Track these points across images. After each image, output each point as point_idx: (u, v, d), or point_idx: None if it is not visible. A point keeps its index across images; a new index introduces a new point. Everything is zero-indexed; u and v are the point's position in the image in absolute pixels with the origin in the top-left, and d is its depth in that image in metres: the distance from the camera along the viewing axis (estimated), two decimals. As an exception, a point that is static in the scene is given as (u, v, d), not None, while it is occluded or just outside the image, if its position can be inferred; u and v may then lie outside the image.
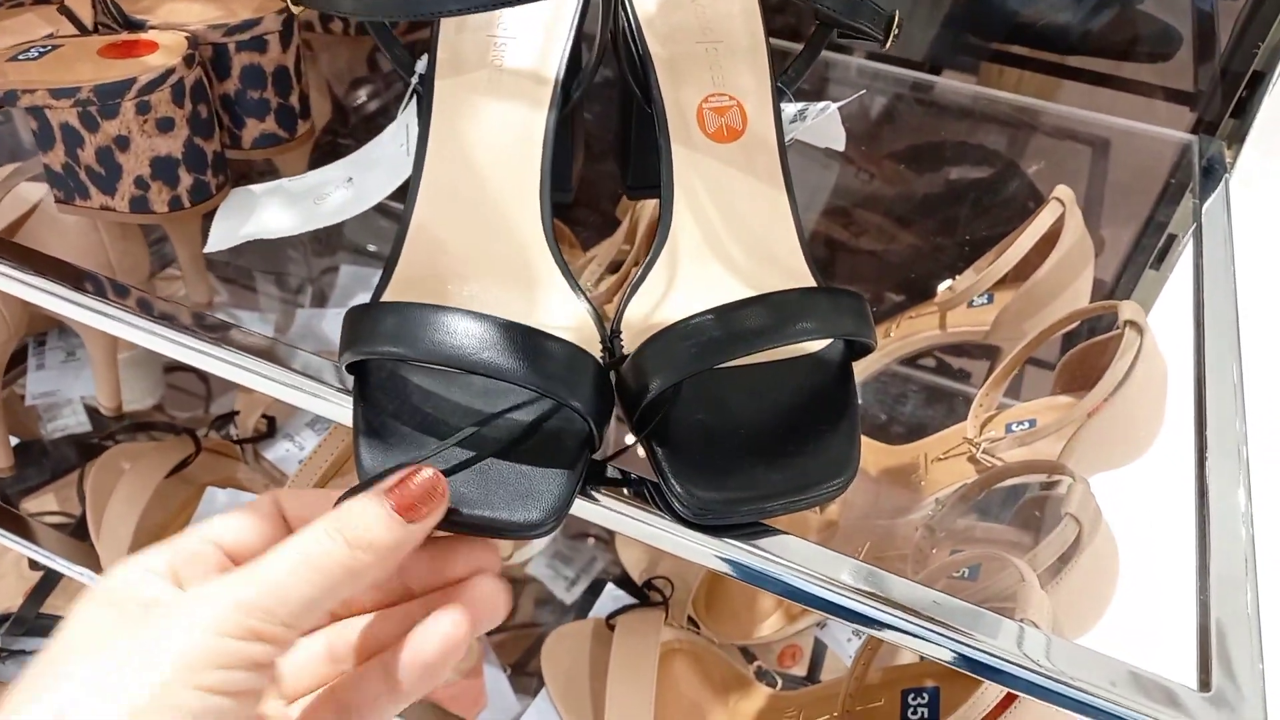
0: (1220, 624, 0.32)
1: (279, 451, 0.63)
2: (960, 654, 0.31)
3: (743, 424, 0.35)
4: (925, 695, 0.43)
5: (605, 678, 0.49)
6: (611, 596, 0.59)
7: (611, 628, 0.52)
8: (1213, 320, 0.47)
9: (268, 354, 0.40)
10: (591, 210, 0.70)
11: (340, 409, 0.38)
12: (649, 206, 0.59)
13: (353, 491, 0.32)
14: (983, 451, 0.52)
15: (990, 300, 0.62)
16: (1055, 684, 0.30)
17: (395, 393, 0.35)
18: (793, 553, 0.33)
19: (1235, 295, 0.49)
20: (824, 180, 0.79)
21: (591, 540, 0.84)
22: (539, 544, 0.78)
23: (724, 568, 0.34)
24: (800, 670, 0.68)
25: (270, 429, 0.63)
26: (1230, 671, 0.30)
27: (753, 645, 0.66)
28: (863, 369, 0.66)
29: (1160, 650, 0.37)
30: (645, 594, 0.56)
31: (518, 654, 0.82)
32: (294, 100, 0.50)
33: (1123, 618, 0.42)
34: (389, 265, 0.39)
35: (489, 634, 0.83)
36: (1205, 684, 0.29)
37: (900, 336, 0.65)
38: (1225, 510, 0.36)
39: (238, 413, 0.64)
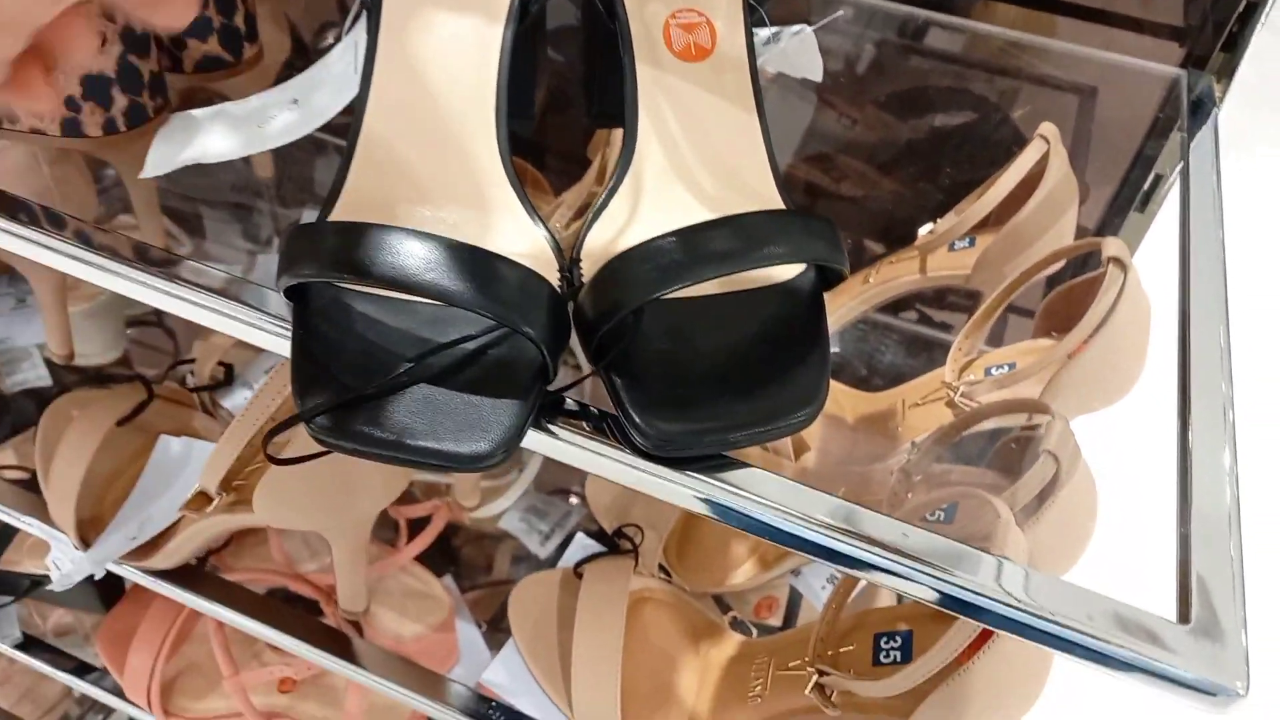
0: (1200, 564, 0.31)
1: (237, 399, 0.60)
2: (940, 591, 0.30)
3: (706, 353, 0.33)
4: (898, 639, 0.42)
5: (573, 627, 0.48)
6: (581, 546, 0.57)
7: (580, 576, 0.51)
8: (1198, 262, 0.46)
9: (221, 290, 0.37)
10: (565, 157, 0.68)
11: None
12: (619, 141, 0.56)
13: (287, 424, 0.31)
14: (961, 396, 0.51)
15: (972, 243, 0.61)
16: (1035, 619, 0.29)
17: (337, 319, 0.32)
18: (769, 490, 0.32)
19: (1222, 235, 0.48)
20: (806, 124, 0.77)
21: (567, 496, 0.83)
22: (511, 496, 0.76)
23: (699, 506, 0.32)
24: (776, 621, 0.67)
25: (228, 376, 0.61)
26: (1210, 604, 0.29)
27: (729, 597, 0.65)
28: (842, 315, 0.65)
29: (1141, 589, 0.36)
30: (616, 543, 0.54)
31: (493, 610, 0.81)
32: (239, 21, 0.47)
33: (1103, 557, 0.41)
34: (335, 188, 0.36)
35: (464, 590, 0.82)
36: (1184, 616, 0.28)
37: (880, 282, 0.63)
38: (1209, 465, 0.34)
39: (194, 360, 0.61)
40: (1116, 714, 0.96)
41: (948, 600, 0.30)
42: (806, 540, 0.31)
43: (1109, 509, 0.43)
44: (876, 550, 0.30)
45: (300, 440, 0.33)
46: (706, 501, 0.32)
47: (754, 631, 0.56)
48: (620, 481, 0.33)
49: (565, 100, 0.67)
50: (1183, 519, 0.32)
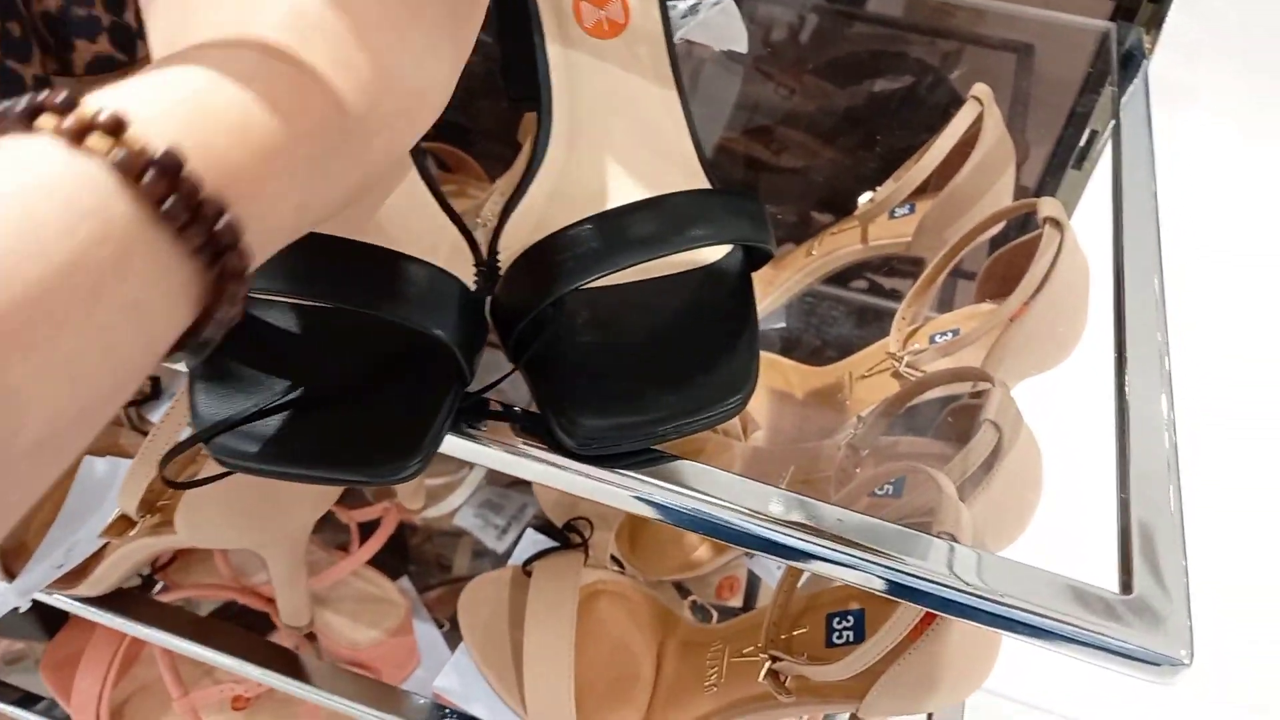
0: (1141, 522, 0.30)
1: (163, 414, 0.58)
2: (890, 580, 0.29)
3: (630, 343, 0.32)
4: (850, 618, 0.41)
5: (524, 626, 0.47)
6: (532, 541, 0.56)
7: (529, 574, 0.49)
8: (1132, 213, 0.45)
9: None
10: (502, 141, 0.66)
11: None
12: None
13: (182, 446, 0.29)
14: (906, 365, 0.50)
15: (912, 210, 0.60)
16: (974, 599, 0.28)
17: (238, 330, 0.31)
18: (705, 484, 0.30)
19: (1155, 185, 0.47)
20: (743, 96, 0.76)
21: (521, 488, 0.82)
22: (463, 493, 0.75)
23: (635, 506, 0.31)
24: (738, 602, 0.67)
25: (154, 390, 0.58)
26: (1151, 572, 0.28)
27: (688, 580, 0.64)
28: (787, 289, 0.63)
29: (1087, 556, 0.36)
30: (566, 537, 0.53)
31: (454, 608, 0.80)
32: (130, 17, 0.44)
33: (1049, 524, 0.41)
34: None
35: (423, 590, 0.80)
36: (1127, 585, 0.28)
37: (823, 254, 0.62)
38: (1146, 415, 0.34)
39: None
40: (1072, 677, 0.98)
41: (900, 589, 0.29)
42: (745, 533, 0.30)
43: (1055, 475, 0.43)
44: (815, 540, 0.29)
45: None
46: (640, 500, 0.31)
47: (715, 615, 0.55)
48: (549, 483, 0.32)
49: (499, 84, 0.65)
50: (1122, 484, 0.31)
